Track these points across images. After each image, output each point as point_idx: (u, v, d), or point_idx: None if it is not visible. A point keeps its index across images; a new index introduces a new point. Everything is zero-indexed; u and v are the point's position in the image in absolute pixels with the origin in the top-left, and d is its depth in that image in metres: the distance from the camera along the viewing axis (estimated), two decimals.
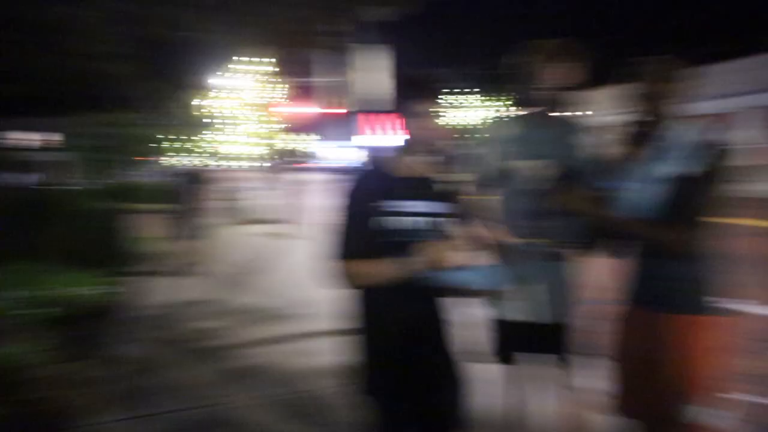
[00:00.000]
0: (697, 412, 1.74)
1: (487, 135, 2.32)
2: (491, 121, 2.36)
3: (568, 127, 2.23)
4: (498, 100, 34.80)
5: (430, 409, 1.92)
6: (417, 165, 1.86)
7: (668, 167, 1.81)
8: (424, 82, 1.81)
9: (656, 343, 1.83)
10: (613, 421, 2.96)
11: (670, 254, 1.78)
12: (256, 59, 10.67)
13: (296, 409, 3.51)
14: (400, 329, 1.84)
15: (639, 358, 1.92)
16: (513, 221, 2.18)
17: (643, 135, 1.93)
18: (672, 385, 1.76)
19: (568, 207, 1.89)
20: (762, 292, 5.47)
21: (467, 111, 35.40)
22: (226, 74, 14.86)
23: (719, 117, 26.82)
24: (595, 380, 3.46)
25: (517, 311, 2.22)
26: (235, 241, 11.41)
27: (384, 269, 1.77)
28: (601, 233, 1.98)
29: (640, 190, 1.85)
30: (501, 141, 2.25)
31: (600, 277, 2.27)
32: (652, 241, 1.80)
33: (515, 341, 2.31)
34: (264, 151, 16.50)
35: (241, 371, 4.16)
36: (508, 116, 2.39)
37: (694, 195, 1.76)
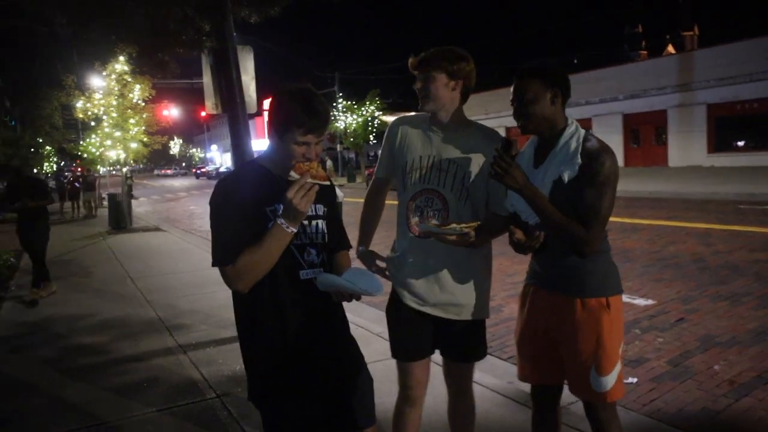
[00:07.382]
0: (607, 381, 1.92)
1: (390, 133, 2.24)
2: (393, 119, 2.29)
3: (468, 129, 2.19)
4: (370, 105, 34.97)
5: (335, 412, 1.87)
6: (299, 167, 1.76)
7: (553, 172, 1.90)
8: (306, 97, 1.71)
9: (567, 322, 1.95)
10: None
11: (575, 250, 1.88)
12: (128, 59, 9.86)
13: (193, 421, 3.30)
14: (292, 333, 1.77)
15: (547, 335, 2.03)
16: (413, 215, 2.15)
17: (544, 140, 1.99)
18: (586, 358, 1.92)
19: (508, 182, 1.84)
20: (634, 284, 6.01)
21: (342, 114, 35.20)
22: (101, 75, 13.90)
23: (581, 122, 29.30)
24: (492, 376, 3.54)
25: (421, 303, 2.15)
26: (116, 250, 10.64)
27: (268, 250, 1.67)
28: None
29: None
30: (401, 139, 2.20)
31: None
32: (561, 234, 1.87)
33: (419, 337, 2.21)
34: (137, 154, 15.66)
35: (131, 386, 3.90)
36: (408, 116, 2.31)
37: (578, 198, 1.84)
